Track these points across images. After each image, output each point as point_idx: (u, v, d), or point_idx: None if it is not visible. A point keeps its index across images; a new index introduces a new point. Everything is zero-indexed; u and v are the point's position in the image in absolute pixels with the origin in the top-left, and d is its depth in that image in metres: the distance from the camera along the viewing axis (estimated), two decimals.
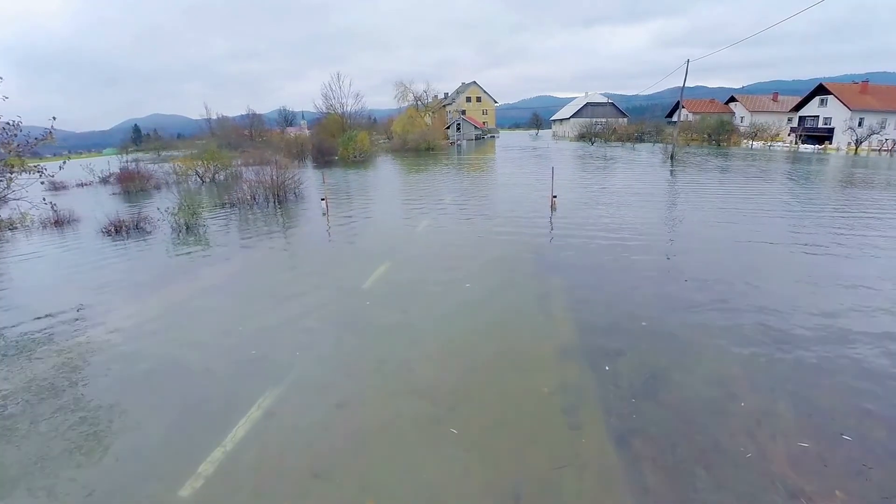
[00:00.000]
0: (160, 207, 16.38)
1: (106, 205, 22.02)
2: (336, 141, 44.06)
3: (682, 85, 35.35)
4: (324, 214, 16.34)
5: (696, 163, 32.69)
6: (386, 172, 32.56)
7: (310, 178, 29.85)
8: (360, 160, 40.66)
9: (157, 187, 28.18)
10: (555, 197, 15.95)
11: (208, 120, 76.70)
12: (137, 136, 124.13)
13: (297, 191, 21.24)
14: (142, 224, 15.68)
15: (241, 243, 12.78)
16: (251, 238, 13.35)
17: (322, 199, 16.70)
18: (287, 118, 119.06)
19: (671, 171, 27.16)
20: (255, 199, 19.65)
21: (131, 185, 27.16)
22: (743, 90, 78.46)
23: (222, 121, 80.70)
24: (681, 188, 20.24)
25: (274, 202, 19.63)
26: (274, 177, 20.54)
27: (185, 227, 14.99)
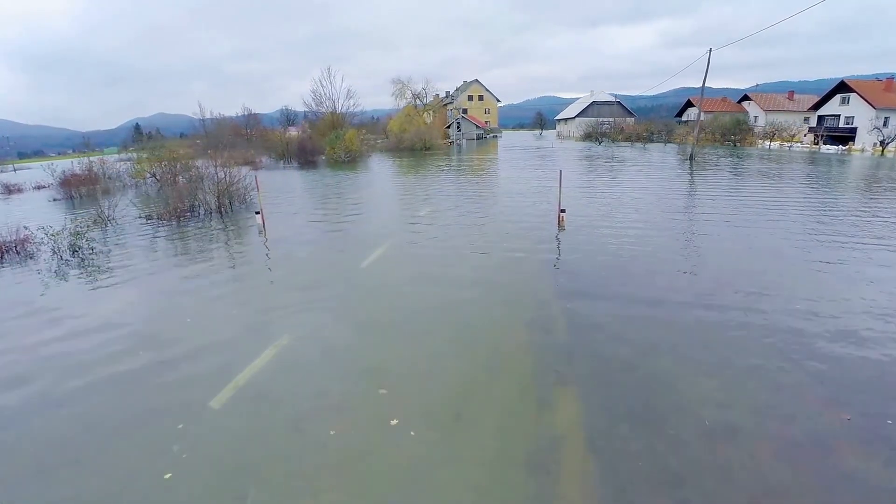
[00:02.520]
0: (26, 226, 12.42)
1: (34, 214, 18.09)
2: (324, 140, 39.88)
3: (703, 78, 30.83)
4: (260, 233, 12.22)
5: (719, 165, 28.18)
6: (368, 175, 28.24)
7: (280, 181, 25.62)
8: (346, 161, 36.44)
9: (107, 192, 24.17)
10: (563, 212, 11.72)
11: (202, 119, 72.84)
12: (139, 136, 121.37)
13: (247, 197, 17.12)
14: (21, 246, 11.62)
15: (119, 279, 8.69)
16: (137, 275, 9.20)
17: (257, 213, 12.54)
18: (289, 118, 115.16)
19: (694, 175, 22.75)
20: (193, 209, 15.53)
21: (75, 189, 23.18)
22: (748, 90, 73.89)
23: (221, 120, 77.14)
24: (717, 198, 15.85)
25: (216, 212, 15.52)
26: (220, 180, 16.47)
27: (70, 252, 10.98)
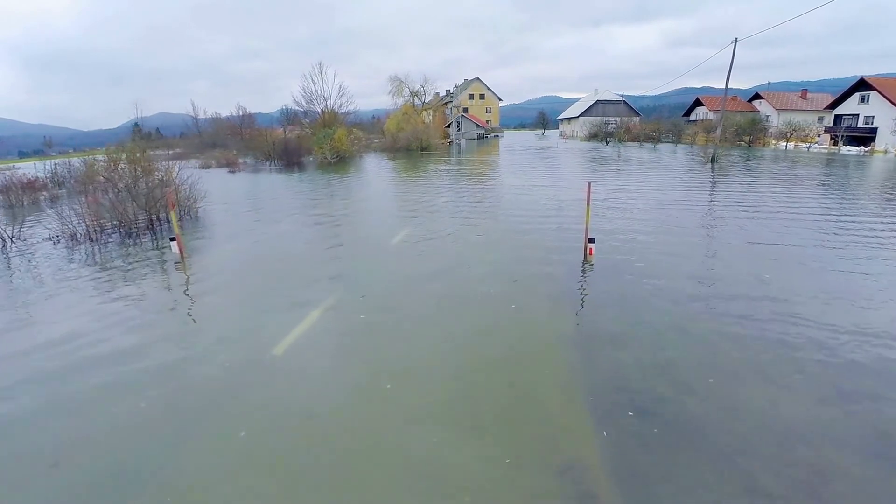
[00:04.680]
0: None
1: None
2: (311, 140, 36.39)
3: (727, 73, 27.24)
4: (177, 265, 8.83)
5: (750, 170, 24.58)
6: (351, 180, 24.51)
7: (251, 186, 22.11)
8: (333, 162, 32.91)
9: (55, 199, 20.81)
10: (591, 241, 8.29)
11: (195, 118, 69.79)
12: (137, 135, 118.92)
13: (193, 209, 13.73)
14: None
15: None
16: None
17: (172, 240, 9.12)
18: (288, 117, 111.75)
19: (728, 183, 19.29)
20: (121, 224, 12.11)
21: (16, 197, 19.82)
22: (758, 89, 70.39)
23: (217, 120, 74.16)
24: (783, 218, 12.38)
25: (148, 230, 12.12)
26: (151, 189, 13.10)
27: None
